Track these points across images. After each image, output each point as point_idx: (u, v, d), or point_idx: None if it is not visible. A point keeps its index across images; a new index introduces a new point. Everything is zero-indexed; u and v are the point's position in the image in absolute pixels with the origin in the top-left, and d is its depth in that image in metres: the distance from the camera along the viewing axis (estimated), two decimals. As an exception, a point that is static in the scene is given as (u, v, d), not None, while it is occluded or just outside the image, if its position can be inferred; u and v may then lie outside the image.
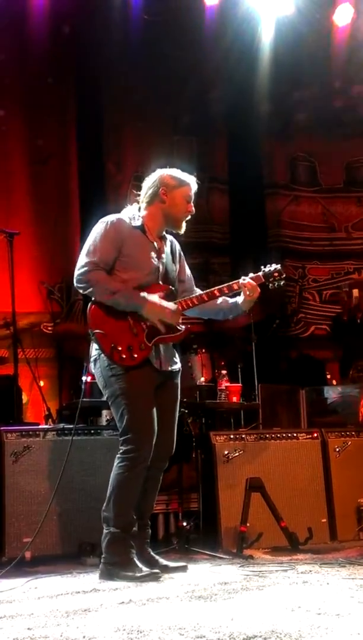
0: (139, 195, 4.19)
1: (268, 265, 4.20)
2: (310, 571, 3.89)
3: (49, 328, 7.28)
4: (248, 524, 4.59)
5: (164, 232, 4.20)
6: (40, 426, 5.21)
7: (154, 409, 3.95)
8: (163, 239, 4.19)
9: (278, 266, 4.20)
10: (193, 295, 4.16)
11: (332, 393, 7.17)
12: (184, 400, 5.10)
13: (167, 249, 4.18)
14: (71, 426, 4.70)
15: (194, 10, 7.88)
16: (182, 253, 4.32)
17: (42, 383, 6.55)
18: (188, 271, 4.32)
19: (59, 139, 8.13)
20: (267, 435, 5.09)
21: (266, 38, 8.07)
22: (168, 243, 4.21)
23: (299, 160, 9.38)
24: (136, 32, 7.77)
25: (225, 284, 4.14)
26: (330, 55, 8.37)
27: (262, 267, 4.20)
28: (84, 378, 4.99)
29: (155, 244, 4.11)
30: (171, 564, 4.04)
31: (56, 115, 8.12)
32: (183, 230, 4.18)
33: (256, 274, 4.15)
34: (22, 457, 4.50)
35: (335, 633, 2.54)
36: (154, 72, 8.26)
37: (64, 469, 4.22)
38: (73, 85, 8.15)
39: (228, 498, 4.79)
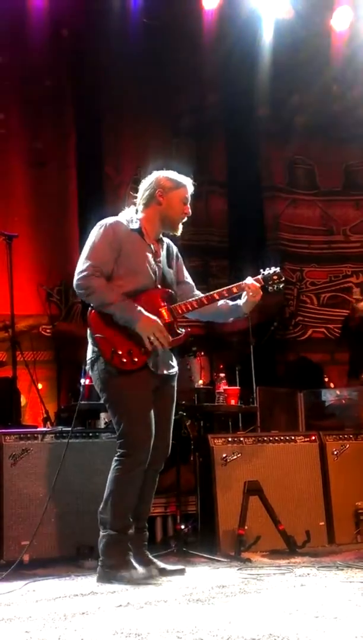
0: (136, 197, 4.20)
1: (267, 269, 4.20)
2: (308, 574, 3.90)
3: (48, 331, 7.28)
4: (246, 527, 4.60)
5: (161, 235, 4.21)
6: (38, 429, 5.21)
7: (152, 412, 3.96)
8: (159, 241, 4.19)
9: (277, 269, 4.20)
10: (193, 298, 4.16)
11: (329, 396, 7.17)
12: (183, 402, 5.10)
13: (163, 252, 4.19)
14: (69, 429, 4.70)
15: (193, 15, 7.90)
16: (179, 255, 4.33)
17: (40, 386, 6.55)
18: (186, 273, 4.33)
19: (57, 142, 8.13)
20: (265, 438, 5.09)
21: (265, 42, 8.07)
22: (165, 246, 4.22)
23: (297, 163, 9.39)
24: (134, 35, 7.78)
25: (225, 288, 4.14)
26: (329, 58, 8.38)
27: (261, 270, 4.20)
28: (82, 381, 4.99)
29: (152, 247, 4.11)
30: (169, 567, 4.04)
31: (55, 118, 8.12)
32: (179, 232, 4.19)
33: (255, 277, 4.16)
34: (20, 460, 4.50)
35: (333, 636, 2.54)
36: (153, 75, 8.27)
37: (61, 472, 4.22)
38: (72, 88, 8.16)
39: (226, 501, 4.80)
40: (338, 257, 9.27)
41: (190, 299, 4.13)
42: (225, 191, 8.93)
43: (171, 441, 4.15)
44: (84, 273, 3.94)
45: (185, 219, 4.18)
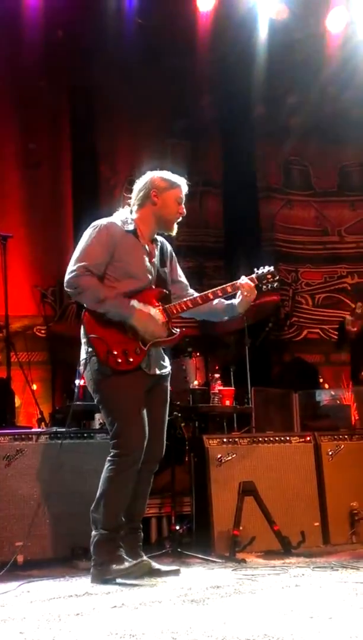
0: (130, 198, 4.20)
1: (261, 268, 4.20)
2: (303, 575, 3.89)
3: (42, 331, 7.28)
4: (240, 528, 4.59)
5: (155, 235, 4.21)
6: (33, 430, 5.20)
7: (145, 413, 3.96)
8: (154, 241, 4.19)
9: (271, 268, 4.20)
10: (188, 298, 4.15)
11: (324, 396, 7.18)
12: (178, 403, 5.10)
13: (157, 251, 4.18)
14: (64, 430, 4.70)
15: (188, 16, 7.90)
16: (173, 254, 4.32)
17: (35, 386, 6.54)
18: (180, 271, 4.33)
19: (52, 143, 8.13)
20: (260, 439, 5.09)
21: (260, 42, 8.08)
22: (159, 245, 4.22)
23: (293, 164, 9.41)
24: (130, 36, 7.79)
25: (219, 287, 4.14)
26: (324, 59, 8.39)
27: (255, 269, 4.20)
28: (77, 381, 4.99)
29: (147, 247, 4.11)
30: (164, 568, 4.03)
31: (50, 119, 8.12)
32: (174, 232, 4.18)
33: (249, 277, 4.15)
34: (14, 461, 4.48)
35: (328, 636, 2.54)
36: (147, 76, 8.27)
37: (55, 473, 4.21)
38: (67, 89, 8.16)
39: (221, 502, 4.79)
40: (333, 258, 9.29)
41: (185, 299, 4.13)
42: (220, 192, 8.94)
43: (165, 441, 4.14)
44: (75, 272, 3.93)
45: (180, 219, 4.17)
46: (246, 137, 8.91)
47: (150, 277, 4.06)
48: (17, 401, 6.52)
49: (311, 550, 4.76)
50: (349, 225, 9.33)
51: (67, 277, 3.95)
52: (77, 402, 5.33)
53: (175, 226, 4.16)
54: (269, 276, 4.16)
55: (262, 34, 8.03)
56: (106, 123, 8.39)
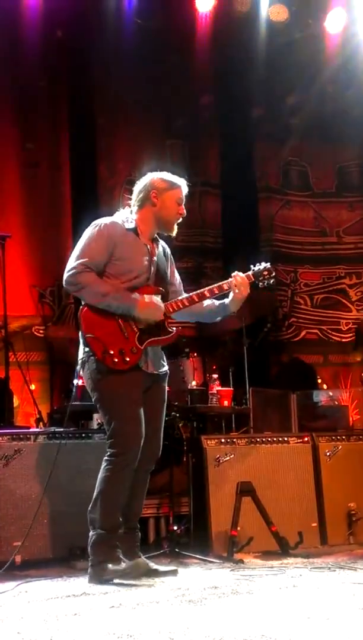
0: (131, 199, 4.21)
1: (258, 264, 4.20)
2: (300, 575, 3.90)
3: (41, 331, 7.28)
4: (238, 528, 4.60)
5: (156, 235, 4.21)
6: (31, 430, 5.20)
7: (142, 412, 3.96)
8: (154, 241, 4.20)
9: (268, 265, 4.20)
10: (184, 296, 4.16)
11: (322, 397, 7.18)
12: (176, 404, 5.10)
13: (159, 251, 4.19)
14: (62, 429, 4.70)
15: (187, 16, 7.90)
16: (172, 258, 4.33)
17: (33, 386, 6.54)
18: (177, 275, 4.34)
19: (51, 143, 8.12)
20: (258, 440, 5.09)
21: (260, 43, 8.08)
22: (160, 247, 4.23)
23: (291, 164, 9.40)
24: (128, 36, 7.78)
25: (215, 285, 4.14)
26: (323, 60, 8.39)
27: (252, 266, 4.20)
28: (75, 382, 4.99)
29: (148, 246, 4.12)
30: (162, 568, 4.04)
31: (48, 119, 8.11)
32: (174, 233, 4.19)
33: (245, 274, 4.15)
34: (12, 461, 4.49)
35: (325, 637, 2.54)
36: (146, 76, 8.27)
37: (53, 473, 4.22)
38: (65, 88, 8.15)
39: (219, 502, 4.79)
40: (332, 259, 9.29)
41: (181, 297, 4.14)
42: (219, 192, 8.93)
43: (162, 441, 4.15)
44: (75, 270, 3.94)
45: (180, 220, 4.18)
46: (246, 137, 8.90)
47: (149, 274, 4.08)
48: (16, 401, 6.52)
49: (309, 551, 4.77)
50: (347, 226, 9.33)
51: (66, 274, 3.96)
52: (75, 402, 5.34)
53: (175, 227, 4.16)
54: (265, 273, 4.17)
55: (261, 34, 8.03)
56: (105, 123, 8.38)
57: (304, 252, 9.26)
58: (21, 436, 4.59)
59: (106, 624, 2.89)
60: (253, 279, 4.14)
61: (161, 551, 4.70)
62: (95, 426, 5.36)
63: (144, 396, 4.00)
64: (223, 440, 5.01)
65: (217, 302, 4.19)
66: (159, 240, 4.24)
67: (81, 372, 4.05)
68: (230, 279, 4.13)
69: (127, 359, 3.91)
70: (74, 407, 5.34)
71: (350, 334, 9.02)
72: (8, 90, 7.86)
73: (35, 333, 7.36)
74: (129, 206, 4.20)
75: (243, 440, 5.05)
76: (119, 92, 8.38)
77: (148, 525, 5.14)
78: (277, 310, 8.99)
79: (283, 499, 4.98)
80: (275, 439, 5.14)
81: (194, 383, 5.89)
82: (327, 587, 3.54)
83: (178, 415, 5.09)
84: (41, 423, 6.12)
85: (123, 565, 3.84)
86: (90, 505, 3.95)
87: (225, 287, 4.12)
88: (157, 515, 5.20)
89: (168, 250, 4.31)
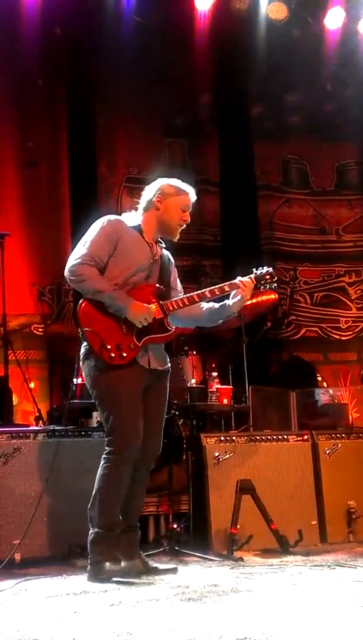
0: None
1: (260, 268, 4.21)
2: (300, 573, 3.90)
3: (40, 330, 7.27)
4: (238, 526, 4.60)
5: (160, 239, 4.22)
6: (30, 428, 5.21)
7: (141, 409, 3.95)
8: (158, 243, 4.21)
9: (270, 269, 4.21)
10: (184, 295, 4.16)
11: (322, 395, 7.18)
12: (175, 401, 5.10)
13: (163, 254, 4.21)
14: (61, 428, 4.70)
15: (187, 14, 7.88)
16: (175, 268, 4.34)
17: (32, 384, 6.54)
18: (179, 283, 4.35)
19: (50, 141, 8.11)
20: (258, 438, 5.10)
21: (259, 41, 8.07)
22: (164, 251, 4.23)
23: (291, 162, 9.39)
24: (127, 34, 7.77)
25: (217, 286, 4.15)
26: (322, 58, 8.38)
27: (254, 269, 4.21)
28: (74, 380, 4.99)
29: (150, 245, 4.13)
30: (161, 566, 4.04)
31: (47, 118, 8.10)
32: (177, 238, 4.20)
33: (247, 277, 4.16)
34: (12, 459, 4.49)
35: (325, 635, 2.54)
36: (145, 74, 8.26)
37: (53, 471, 4.22)
38: (64, 87, 8.13)
39: (219, 500, 4.80)
40: (331, 257, 9.28)
41: (181, 296, 4.14)
42: (218, 190, 8.92)
43: (162, 439, 4.15)
44: (78, 260, 3.98)
45: (184, 226, 4.19)
46: (245, 135, 8.89)
47: (148, 272, 4.08)
48: (15, 399, 6.52)
49: (308, 549, 4.77)
50: (347, 224, 9.32)
51: (68, 264, 4.00)
52: (75, 400, 5.34)
53: (178, 232, 4.18)
54: (267, 277, 4.18)
55: (260, 32, 8.02)
56: (104, 122, 8.37)
57: (304, 250, 9.25)
58: (20, 434, 4.60)
59: (106, 622, 2.89)
60: (255, 282, 4.15)
61: (161, 549, 4.71)
62: (94, 424, 5.36)
63: (145, 393, 4.01)
64: (222, 438, 5.01)
65: (216, 305, 4.19)
66: (162, 244, 4.25)
67: (82, 367, 4.07)
68: (233, 281, 4.13)
69: (124, 354, 3.91)
70: (74, 405, 5.34)
71: (350, 332, 9.02)
72: (7, 90, 7.85)
73: (35, 331, 7.36)
74: (136, 210, 4.22)
75: (242, 439, 5.05)
76: (118, 90, 8.37)
77: (147, 524, 5.14)
78: (277, 309, 8.98)
79: (283, 497, 4.98)
80: (274, 437, 5.14)
81: (193, 381, 5.88)
82: (327, 585, 3.54)
83: (177, 413, 5.09)
84: (41, 421, 6.12)
85: (123, 563, 3.84)
86: (89, 504, 3.95)
87: (227, 288, 4.13)
88: (157, 513, 5.21)
89: (172, 259, 4.32)
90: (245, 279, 4.13)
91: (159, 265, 4.16)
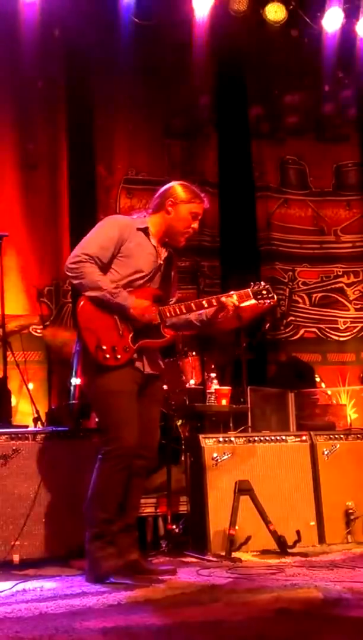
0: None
1: (258, 284, 4.21)
2: (298, 574, 3.90)
3: (38, 331, 7.27)
4: (236, 527, 4.60)
5: (165, 242, 4.21)
6: (29, 429, 5.21)
7: (136, 410, 3.96)
8: (164, 246, 4.19)
9: (267, 285, 4.22)
10: (181, 303, 4.17)
11: (320, 396, 7.18)
12: (173, 402, 5.11)
13: (165, 255, 4.20)
14: (60, 429, 4.70)
15: (185, 14, 7.89)
16: (176, 269, 4.34)
17: (31, 385, 6.54)
18: (175, 290, 4.35)
19: (49, 143, 8.10)
20: (256, 439, 5.10)
21: (257, 42, 8.08)
22: (168, 252, 4.23)
23: (289, 163, 9.39)
24: (126, 35, 7.77)
25: (214, 297, 4.17)
26: (320, 59, 8.39)
27: (252, 283, 4.21)
28: (73, 381, 4.99)
29: (156, 248, 4.12)
30: (160, 567, 4.04)
31: (46, 119, 8.10)
32: (182, 246, 4.19)
33: (244, 290, 4.16)
34: (11, 460, 4.49)
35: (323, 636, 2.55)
36: (144, 75, 8.27)
37: (51, 472, 4.22)
38: (63, 88, 8.13)
39: (217, 501, 4.80)
40: (330, 258, 9.28)
41: (178, 304, 4.15)
42: (217, 191, 8.93)
43: (157, 440, 4.15)
44: (79, 257, 3.97)
45: (191, 234, 4.19)
46: (243, 136, 8.90)
47: (151, 276, 4.08)
48: (14, 400, 6.51)
49: (307, 550, 4.77)
50: (345, 225, 9.32)
51: (69, 260, 4.00)
52: (73, 402, 5.34)
53: (184, 240, 4.17)
54: (264, 292, 4.19)
55: (259, 33, 8.03)
56: (103, 123, 8.37)
57: (302, 251, 9.25)
58: (19, 435, 4.60)
59: (105, 622, 2.89)
60: (251, 297, 4.15)
61: (159, 550, 4.71)
62: (93, 425, 5.36)
63: (140, 395, 4.01)
64: (221, 439, 5.02)
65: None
66: (171, 250, 4.24)
67: (78, 367, 4.08)
68: (231, 292, 4.13)
69: (119, 356, 3.92)
70: (72, 406, 5.35)
71: (348, 333, 9.02)
72: (6, 91, 7.85)
73: (33, 332, 7.36)
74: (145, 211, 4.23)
75: (241, 439, 5.06)
76: (117, 91, 8.38)
77: (146, 524, 5.14)
78: (275, 309, 8.98)
79: (281, 498, 4.98)
80: (273, 437, 5.14)
81: (192, 382, 5.88)
82: (325, 586, 3.54)
83: (175, 414, 5.09)
84: (39, 422, 6.12)
85: (121, 564, 3.84)
86: (86, 503, 3.96)
87: (223, 299, 4.13)
88: (155, 514, 5.20)
89: (175, 262, 4.32)
90: (240, 294, 4.14)
91: (162, 270, 4.16)
